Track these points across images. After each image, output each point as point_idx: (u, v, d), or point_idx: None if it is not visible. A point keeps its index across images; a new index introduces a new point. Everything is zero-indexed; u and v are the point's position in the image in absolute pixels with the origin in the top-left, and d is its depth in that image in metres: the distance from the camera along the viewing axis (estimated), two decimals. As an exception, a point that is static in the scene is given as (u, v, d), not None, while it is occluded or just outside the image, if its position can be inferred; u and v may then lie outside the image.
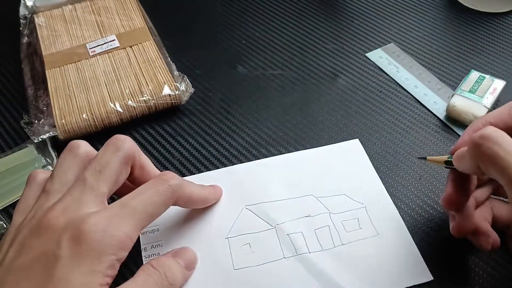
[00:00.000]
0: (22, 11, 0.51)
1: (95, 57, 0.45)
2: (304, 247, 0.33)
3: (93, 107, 0.41)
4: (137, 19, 0.49)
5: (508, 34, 0.48)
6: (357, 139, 0.40)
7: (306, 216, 0.35)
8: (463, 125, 0.40)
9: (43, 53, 0.46)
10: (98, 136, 0.40)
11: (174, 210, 0.34)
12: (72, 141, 0.31)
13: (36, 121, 0.40)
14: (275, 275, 0.32)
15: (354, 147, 0.39)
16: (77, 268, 0.25)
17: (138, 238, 0.32)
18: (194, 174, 0.38)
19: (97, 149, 0.31)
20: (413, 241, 0.33)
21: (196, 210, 0.35)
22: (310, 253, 0.33)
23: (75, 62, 0.45)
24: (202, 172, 0.38)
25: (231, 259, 0.33)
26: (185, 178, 0.35)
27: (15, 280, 0.25)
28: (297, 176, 0.37)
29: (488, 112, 0.39)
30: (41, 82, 0.44)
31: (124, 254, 0.27)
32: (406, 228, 0.34)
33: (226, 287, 0.31)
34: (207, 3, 0.55)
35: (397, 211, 0.35)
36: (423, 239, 0.34)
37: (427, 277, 0.31)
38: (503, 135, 0.24)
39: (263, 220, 0.35)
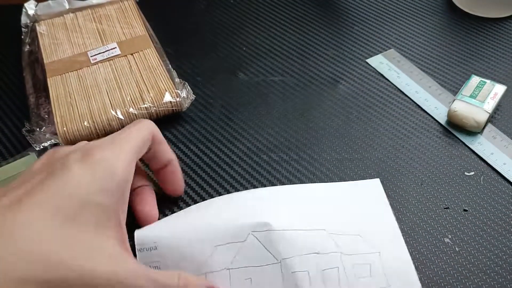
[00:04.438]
0: (24, 19, 0.51)
1: (96, 65, 0.46)
2: None
3: (94, 115, 0.41)
4: (138, 27, 0.49)
5: (509, 39, 0.48)
6: (378, 179, 0.37)
7: (315, 253, 0.31)
8: (464, 130, 0.40)
9: (45, 61, 0.46)
10: (99, 143, 0.40)
11: (173, 227, 0.33)
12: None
13: (38, 129, 0.40)
14: None
15: (374, 187, 0.37)
16: (89, 175, 0.27)
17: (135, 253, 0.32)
18: (195, 180, 0.38)
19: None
20: None
21: (199, 228, 0.32)
22: None
23: (76, 70, 0.45)
24: (202, 177, 0.38)
25: None
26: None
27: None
28: (311, 208, 0.34)
29: (489, 117, 0.39)
30: (42, 90, 0.44)
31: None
32: (418, 284, 0.31)
33: None
34: (207, 10, 0.55)
35: (411, 263, 0.32)
36: (423, 244, 0.34)
37: None
38: None
39: (268, 252, 0.31)
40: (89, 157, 0.27)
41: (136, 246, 0.32)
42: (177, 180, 0.36)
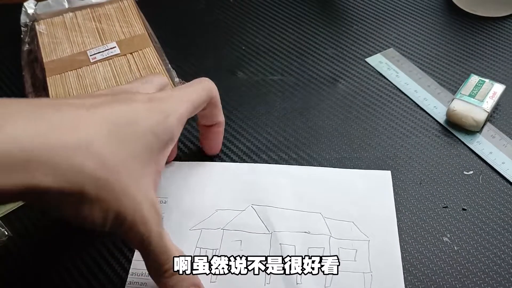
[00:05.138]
0: (23, 18, 0.51)
1: (96, 64, 0.46)
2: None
3: (93, 114, 0.41)
4: (138, 26, 0.49)
5: (508, 38, 0.48)
6: (389, 172, 0.37)
7: (305, 232, 0.34)
8: (463, 129, 0.40)
9: (44, 60, 0.46)
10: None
11: (185, 187, 0.37)
12: None
13: (37, 128, 0.40)
14: (250, 280, 0.31)
15: (383, 178, 0.37)
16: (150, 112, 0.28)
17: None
18: (194, 180, 0.39)
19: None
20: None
21: (207, 192, 0.37)
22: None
23: (75, 69, 0.45)
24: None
25: (219, 251, 0.33)
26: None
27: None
28: (312, 191, 0.36)
29: (487, 116, 0.39)
30: (42, 89, 0.44)
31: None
32: (401, 276, 0.32)
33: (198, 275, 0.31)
34: (207, 10, 0.55)
35: (399, 254, 0.33)
36: (421, 243, 0.34)
37: None
38: None
39: (263, 223, 0.35)
40: (152, 102, 0.29)
41: None
42: (217, 141, 0.39)
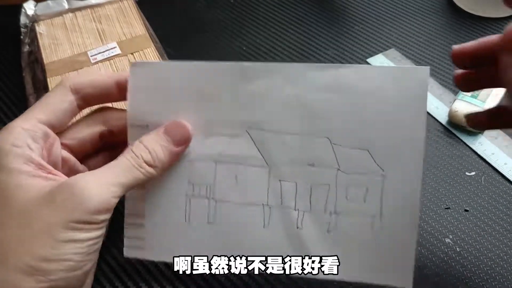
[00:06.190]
0: (23, 20, 0.51)
1: (97, 65, 0.45)
2: (292, 201, 0.29)
3: (94, 115, 0.41)
4: (138, 26, 0.49)
5: (509, 38, 0.48)
6: (428, 68, 0.27)
7: (309, 165, 0.29)
8: (465, 130, 0.40)
9: (45, 61, 0.46)
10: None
11: (165, 109, 0.30)
12: None
13: (38, 130, 0.40)
14: (248, 221, 0.29)
15: (416, 80, 0.27)
16: None
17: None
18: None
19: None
20: (414, 242, 0.28)
21: (190, 112, 0.30)
22: (295, 210, 0.29)
23: (76, 70, 0.45)
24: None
25: (213, 187, 0.30)
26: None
27: None
28: (319, 107, 0.29)
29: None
30: (42, 90, 0.44)
31: None
32: (416, 224, 0.28)
33: (196, 214, 0.30)
34: (208, 10, 0.55)
35: (418, 197, 0.28)
36: (424, 245, 0.33)
37: (407, 283, 0.28)
38: None
39: (260, 153, 0.30)
40: None
41: (127, 121, 0.30)
42: None
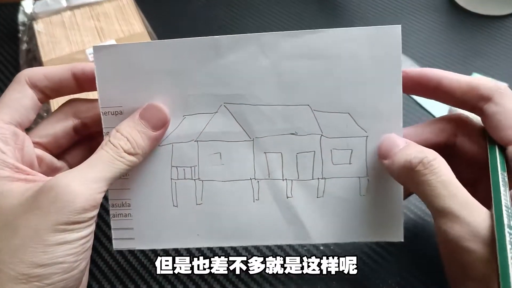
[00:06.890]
0: (21, 18, 0.51)
1: (95, 63, 0.45)
2: (279, 171, 0.29)
3: (92, 114, 0.41)
4: (137, 24, 0.49)
5: (510, 37, 0.48)
6: (399, 26, 0.28)
7: (292, 134, 0.29)
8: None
9: (43, 60, 0.46)
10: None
11: (138, 91, 0.29)
12: None
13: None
14: (238, 198, 0.29)
15: (389, 38, 0.28)
16: None
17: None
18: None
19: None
20: (401, 197, 0.29)
21: (170, 93, 0.29)
22: (283, 180, 0.29)
23: (74, 68, 0.45)
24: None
25: (198, 168, 0.29)
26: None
27: None
28: (297, 75, 0.28)
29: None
30: (40, 88, 0.44)
31: None
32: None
33: (184, 197, 0.29)
34: (206, 8, 0.55)
35: None
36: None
37: (398, 237, 0.29)
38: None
39: (241, 127, 0.29)
40: None
41: (100, 110, 0.29)
42: None
